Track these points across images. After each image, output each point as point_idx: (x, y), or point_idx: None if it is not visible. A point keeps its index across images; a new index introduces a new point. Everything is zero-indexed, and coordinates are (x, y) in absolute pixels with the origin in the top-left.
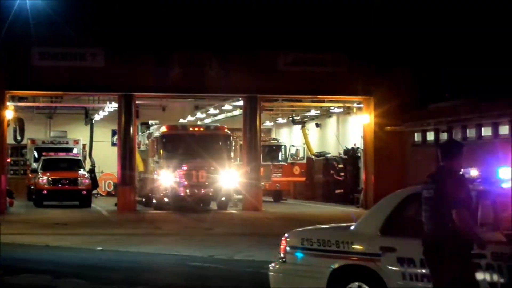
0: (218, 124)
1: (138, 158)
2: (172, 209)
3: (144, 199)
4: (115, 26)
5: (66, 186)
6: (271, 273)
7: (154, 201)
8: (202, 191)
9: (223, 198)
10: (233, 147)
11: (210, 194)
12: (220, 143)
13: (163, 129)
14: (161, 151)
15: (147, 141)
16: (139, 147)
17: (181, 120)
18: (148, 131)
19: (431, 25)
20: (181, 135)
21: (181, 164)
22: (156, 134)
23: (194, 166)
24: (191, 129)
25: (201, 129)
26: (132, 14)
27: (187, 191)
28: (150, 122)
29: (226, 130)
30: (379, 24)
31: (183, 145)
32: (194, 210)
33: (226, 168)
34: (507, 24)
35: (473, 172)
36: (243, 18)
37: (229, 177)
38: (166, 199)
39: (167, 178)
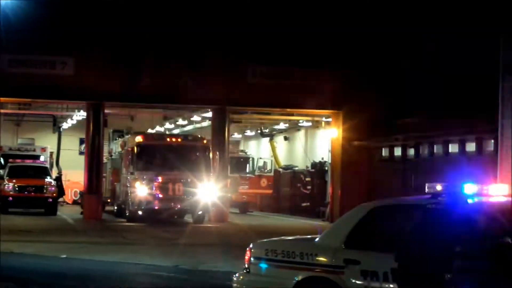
0: (197, 135)
1: (110, 167)
2: (146, 222)
3: (115, 209)
4: (85, 35)
5: (32, 193)
6: (234, 284)
7: (127, 213)
8: (178, 206)
9: (200, 212)
10: (212, 159)
11: (185, 208)
12: (198, 154)
13: (139, 138)
14: (135, 162)
15: (120, 149)
16: (111, 156)
17: (150, 131)
18: (121, 139)
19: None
20: (157, 145)
21: (156, 176)
22: (131, 143)
23: (170, 178)
24: (168, 139)
25: (179, 139)
26: (102, 24)
27: (162, 204)
28: (126, 128)
29: (205, 141)
30: (349, 41)
31: (159, 156)
32: (168, 224)
33: (204, 181)
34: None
35: (438, 187)
36: (213, 30)
37: (207, 190)
38: (140, 212)
39: (141, 190)
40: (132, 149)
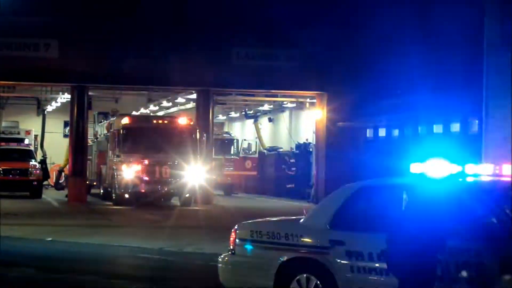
0: (184, 116)
1: (95, 150)
2: (132, 205)
3: (102, 192)
4: (69, 17)
5: (17, 176)
6: (220, 265)
7: (114, 196)
8: (165, 188)
9: (187, 195)
10: (199, 141)
11: (172, 191)
12: (185, 136)
13: (125, 120)
14: (121, 144)
15: (105, 132)
16: (96, 138)
17: (134, 113)
18: (107, 121)
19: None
20: (143, 127)
21: (143, 158)
22: (117, 125)
23: (157, 161)
24: (154, 121)
25: (165, 121)
26: (85, 5)
27: (148, 187)
28: (112, 109)
29: (191, 123)
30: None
31: (146, 138)
32: (155, 207)
33: (191, 163)
34: None
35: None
36: (197, 11)
37: (194, 173)
38: (126, 195)
39: (127, 173)
40: (118, 131)
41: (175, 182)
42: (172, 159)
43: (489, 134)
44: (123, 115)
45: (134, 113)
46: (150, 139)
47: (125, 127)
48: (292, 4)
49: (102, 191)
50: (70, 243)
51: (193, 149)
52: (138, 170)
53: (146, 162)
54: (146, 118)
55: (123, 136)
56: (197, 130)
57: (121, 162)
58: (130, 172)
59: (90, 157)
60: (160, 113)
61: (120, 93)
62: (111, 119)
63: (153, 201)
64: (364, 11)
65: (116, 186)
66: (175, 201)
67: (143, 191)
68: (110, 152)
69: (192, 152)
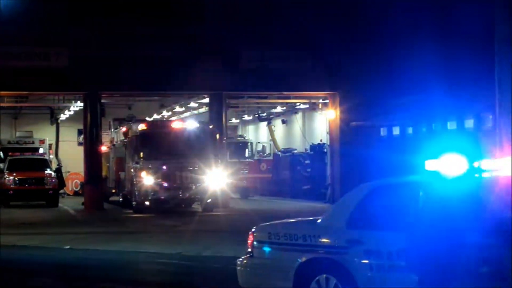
0: (202, 120)
1: (112, 156)
2: (153, 213)
3: (121, 200)
4: (79, 25)
5: (33, 186)
6: (238, 268)
7: (134, 203)
8: (186, 194)
9: (209, 200)
10: (219, 144)
11: (193, 196)
12: (204, 140)
13: (142, 126)
14: (139, 150)
15: (122, 138)
16: (113, 145)
17: (153, 117)
18: (123, 127)
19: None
20: (162, 132)
21: (162, 164)
22: (134, 131)
23: (177, 166)
24: (172, 125)
25: (184, 125)
26: (95, 13)
27: (169, 193)
28: (128, 115)
29: (211, 126)
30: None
31: (165, 143)
32: (176, 213)
33: (212, 168)
34: None
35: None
36: (209, 14)
37: (215, 177)
38: (147, 202)
39: (147, 180)
40: (136, 137)
41: (196, 187)
42: (192, 163)
43: (502, 129)
44: (140, 121)
45: (153, 117)
46: (169, 144)
47: (143, 132)
48: (303, 5)
49: (121, 198)
50: (88, 251)
51: (213, 152)
52: (158, 176)
53: (166, 168)
54: (164, 122)
55: (141, 142)
56: (217, 133)
57: (140, 168)
58: (149, 178)
59: (108, 164)
60: (173, 119)
61: (133, 100)
62: (128, 124)
63: (173, 207)
64: (375, 10)
65: (136, 194)
66: (196, 207)
67: (163, 197)
68: (128, 159)
69: (213, 156)
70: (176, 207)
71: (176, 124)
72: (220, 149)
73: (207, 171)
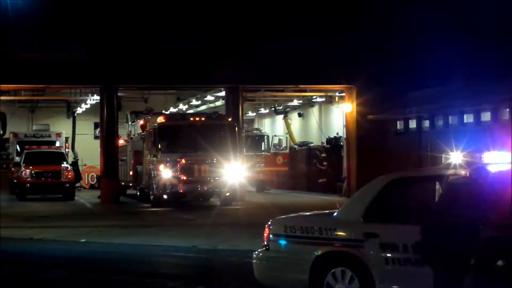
0: (220, 113)
1: (130, 149)
2: (171, 207)
3: (138, 194)
4: (97, 18)
5: (49, 179)
6: (254, 261)
7: (152, 197)
8: (205, 188)
9: (227, 194)
10: (238, 137)
11: (211, 190)
12: (223, 133)
13: (160, 119)
14: (158, 144)
15: (140, 131)
16: (131, 138)
17: (170, 110)
18: (141, 120)
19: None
20: (180, 125)
21: (181, 157)
22: (153, 124)
23: (195, 159)
24: (191, 118)
25: (202, 118)
26: (113, 6)
27: (187, 187)
28: (146, 108)
29: (229, 119)
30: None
31: (183, 136)
32: (195, 207)
33: (231, 161)
34: None
35: (455, 158)
36: (224, 9)
37: (234, 170)
38: (165, 196)
39: (165, 173)
40: (154, 130)
41: (214, 181)
42: (211, 157)
43: None
44: (158, 114)
45: (170, 110)
46: (187, 137)
47: (161, 125)
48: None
49: (138, 192)
50: (104, 244)
51: (232, 146)
52: (176, 170)
53: (184, 161)
54: (183, 115)
55: (160, 135)
56: (236, 126)
57: (158, 162)
58: (168, 172)
59: (125, 157)
60: (190, 112)
61: (149, 93)
62: (146, 117)
63: (191, 201)
64: (393, 3)
65: (154, 187)
66: (214, 200)
67: (181, 191)
68: (146, 152)
69: (232, 149)
70: (194, 200)
71: (194, 117)
72: (239, 142)
73: (226, 165)
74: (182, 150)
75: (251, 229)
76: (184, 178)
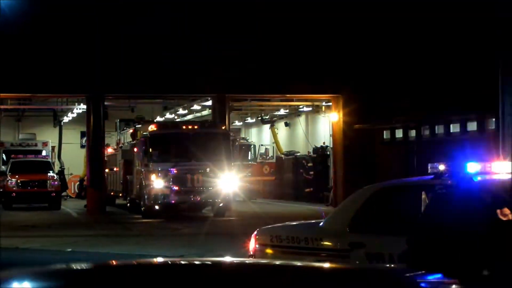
0: (214, 121)
1: (120, 159)
2: (162, 218)
3: (128, 204)
4: (84, 26)
5: (35, 188)
6: None
7: (143, 208)
8: (197, 198)
9: (221, 204)
10: (231, 146)
11: (204, 200)
12: (216, 142)
13: (152, 127)
14: (149, 153)
15: (130, 139)
16: (120, 147)
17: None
18: (131, 128)
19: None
20: (172, 134)
21: (173, 167)
22: (144, 133)
23: (188, 169)
24: (183, 127)
25: (195, 126)
26: (100, 15)
27: (179, 197)
28: (136, 116)
29: (223, 127)
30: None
31: (175, 145)
32: (187, 218)
33: (225, 171)
34: None
35: (441, 167)
36: (210, 16)
37: (228, 180)
38: (156, 207)
39: (157, 183)
40: (146, 139)
41: (207, 191)
42: (204, 166)
43: (506, 131)
44: (150, 122)
45: (157, 119)
46: (179, 146)
47: (153, 134)
48: (306, 8)
49: (128, 203)
50: (90, 253)
51: (226, 155)
52: (168, 180)
53: (176, 170)
54: (175, 124)
55: (151, 143)
56: (229, 135)
57: (150, 171)
58: (159, 182)
59: (114, 167)
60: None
61: (135, 102)
62: (137, 126)
63: (184, 212)
64: (377, 13)
65: (145, 198)
66: (206, 212)
67: (173, 202)
68: (137, 161)
69: (225, 159)
70: (186, 211)
71: (186, 125)
72: (233, 151)
73: (219, 174)
74: (174, 159)
75: (240, 238)
76: (176, 188)
